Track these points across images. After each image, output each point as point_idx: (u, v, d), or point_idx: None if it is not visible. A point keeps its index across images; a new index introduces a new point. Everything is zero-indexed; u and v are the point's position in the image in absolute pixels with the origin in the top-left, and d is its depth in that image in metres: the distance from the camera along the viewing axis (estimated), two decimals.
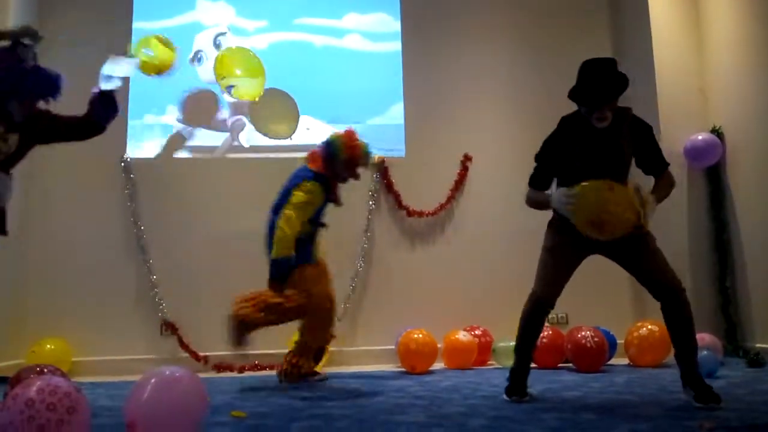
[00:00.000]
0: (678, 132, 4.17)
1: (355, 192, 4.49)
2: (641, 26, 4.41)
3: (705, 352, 3.15)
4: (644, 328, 3.64)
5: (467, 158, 4.55)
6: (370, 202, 4.48)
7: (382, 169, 4.49)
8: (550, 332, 3.59)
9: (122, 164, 4.29)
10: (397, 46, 4.72)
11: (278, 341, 3.70)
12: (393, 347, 3.96)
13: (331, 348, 4.17)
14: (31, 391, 1.58)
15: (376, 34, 4.74)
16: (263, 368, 3.94)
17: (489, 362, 3.98)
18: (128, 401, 1.75)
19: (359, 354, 4.16)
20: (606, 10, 4.88)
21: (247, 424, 2.18)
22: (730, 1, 4.08)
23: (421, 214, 4.45)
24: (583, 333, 3.46)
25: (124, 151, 4.33)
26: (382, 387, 3.05)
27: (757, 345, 3.65)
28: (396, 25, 4.76)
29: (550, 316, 4.20)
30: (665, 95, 4.25)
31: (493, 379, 3.25)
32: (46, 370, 2.18)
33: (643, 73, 4.29)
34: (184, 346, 4.07)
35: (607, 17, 4.86)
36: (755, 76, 3.82)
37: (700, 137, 4.12)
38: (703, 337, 3.57)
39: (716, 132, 4.15)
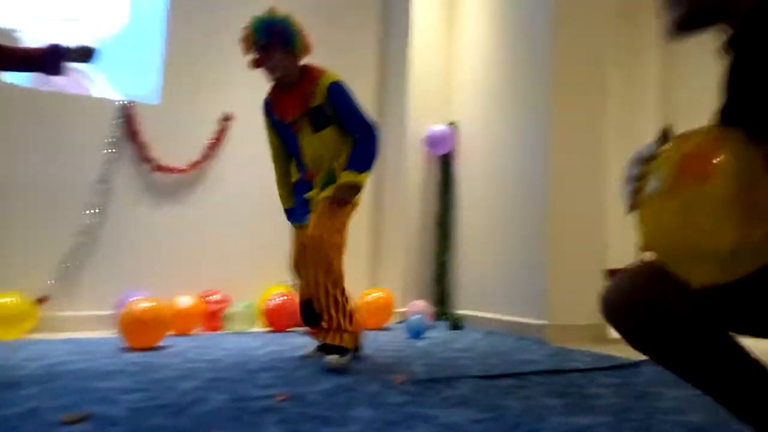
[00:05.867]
0: (423, 123, 4.67)
1: (89, 136, 3.98)
2: (403, 23, 4.77)
3: (416, 316, 3.60)
4: (371, 295, 4.03)
5: (227, 118, 4.37)
6: (111, 149, 4.00)
7: (126, 114, 4.05)
8: (286, 297, 3.71)
9: None
10: None
11: None
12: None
13: (47, 312, 3.67)
14: None
15: None
16: None
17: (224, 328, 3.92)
18: None
19: (82, 319, 3.72)
20: (376, 7, 5.02)
21: None
22: (480, 6, 4.54)
23: (171, 170, 4.14)
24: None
25: None
26: (94, 355, 2.75)
27: (460, 311, 4.30)
28: None
29: (289, 282, 4.35)
30: (416, 89, 4.69)
31: (224, 343, 3.22)
32: None
33: (400, 67, 4.73)
34: None
35: (377, 12, 5.03)
36: (490, 75, 4.34)
37: (436, 128, 4.63)
38: (417, 303, 4.10)
39: (452, 125, 4.70)
